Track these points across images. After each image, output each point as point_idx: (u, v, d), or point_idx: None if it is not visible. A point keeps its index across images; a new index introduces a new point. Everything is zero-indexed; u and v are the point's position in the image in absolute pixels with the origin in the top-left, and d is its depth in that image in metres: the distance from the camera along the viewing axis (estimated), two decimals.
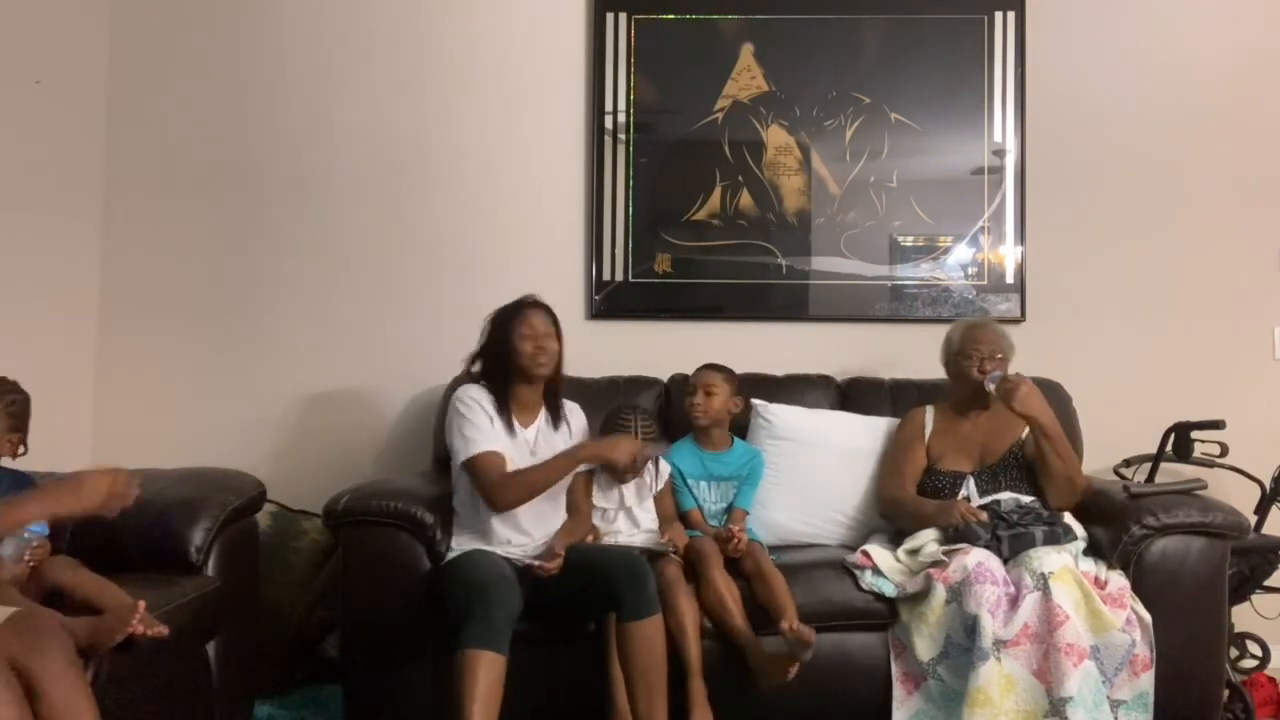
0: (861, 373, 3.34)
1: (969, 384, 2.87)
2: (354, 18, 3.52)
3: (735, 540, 2.65)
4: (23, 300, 3.11)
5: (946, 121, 3.47)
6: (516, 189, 3.50)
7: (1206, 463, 3.03)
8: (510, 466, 2.59)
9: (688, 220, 3.48)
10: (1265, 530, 2.95)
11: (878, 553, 2.67)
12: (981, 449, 2.90)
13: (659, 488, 2.83)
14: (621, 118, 3.49)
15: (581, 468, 2.76)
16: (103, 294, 3.49)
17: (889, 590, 2.59)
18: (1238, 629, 2.90)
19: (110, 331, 3.48)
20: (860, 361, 3.39)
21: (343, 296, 3.49)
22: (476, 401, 2.64)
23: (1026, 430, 2.81)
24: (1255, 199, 3.46)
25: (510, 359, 2.65)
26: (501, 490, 2.54)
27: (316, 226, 3.50)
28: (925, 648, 2.50)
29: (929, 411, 2.99)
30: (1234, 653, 2.92)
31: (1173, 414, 3.10)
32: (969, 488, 2.80)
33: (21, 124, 3.10)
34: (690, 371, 3.07)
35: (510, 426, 2.65)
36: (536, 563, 2.46)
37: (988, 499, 2.74)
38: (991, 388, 2.75)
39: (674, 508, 2.87)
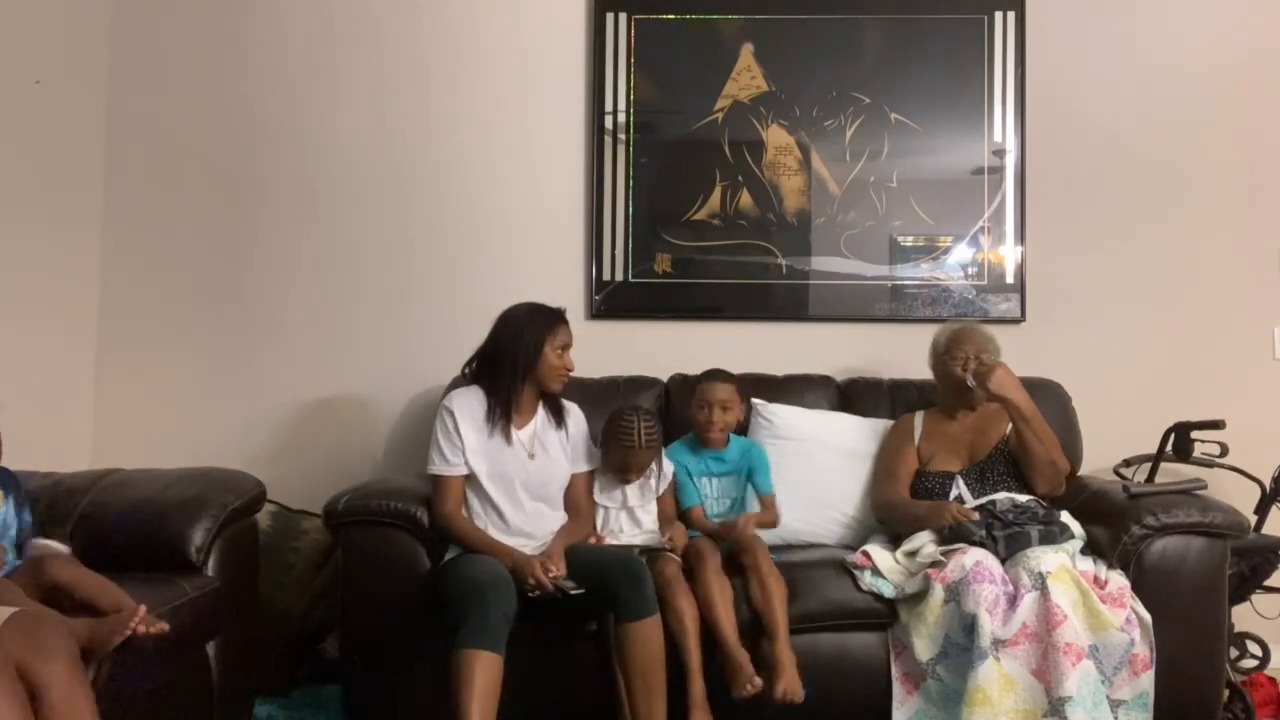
0: (861, 373, 3.34)
1: (954, 384, 2.90)
2: (354, 19, 3.51)
3: (741, 529, 2.63)
4: (23, 300, 3.11)
5: (946, 121, 3.47)
6: (516, 189, 3.50)
7: (1206, 463, 3.03)
8: (505, 470, 2.61)
9: (688, 220, 3.48)
10: (1265, 530, 2.95)
11: (877, 553, 2.68)
12: (970, 448, 2.92)
13: (662, 489, 2.83)
14: (621, 118, 3.48)
15: (583, 466, 2.77)
16: (103, 294, 3.49)
17: (888, 591, 2.59)
18: (1238, 629, 2.90)
19: (110, 331, 3.48)
20: (860, 361, 3.39)
21: (343, 296, 3.49)
22: (458, 415, 2.63)
23: (1010, 426, 2.82)
24: (1255, 199, 3.46)
25: (533, 365, 2.65)
26: (443, 523, 2.59)
27: (317, 226, 3.50)
28: (924, 648, 2.50)
29: (918, 416, 3.02)
30: (1234, 653, 2.91)
31: (1173, 414, 3.10)
32: (959, 487, 2.82)
33: (21, 124, 3.10)
34: (690, 372, 3.06)
35: (507, 430, 2.65)
36: (552, 575, 2.44)
37: (983, 499, 2.75)
38: (971, 381, 2.80)
39: (675, 508, 2.86)
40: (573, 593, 2.41)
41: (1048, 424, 2.83)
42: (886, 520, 2.90)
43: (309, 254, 3.50)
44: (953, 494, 2.81)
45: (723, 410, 2.86)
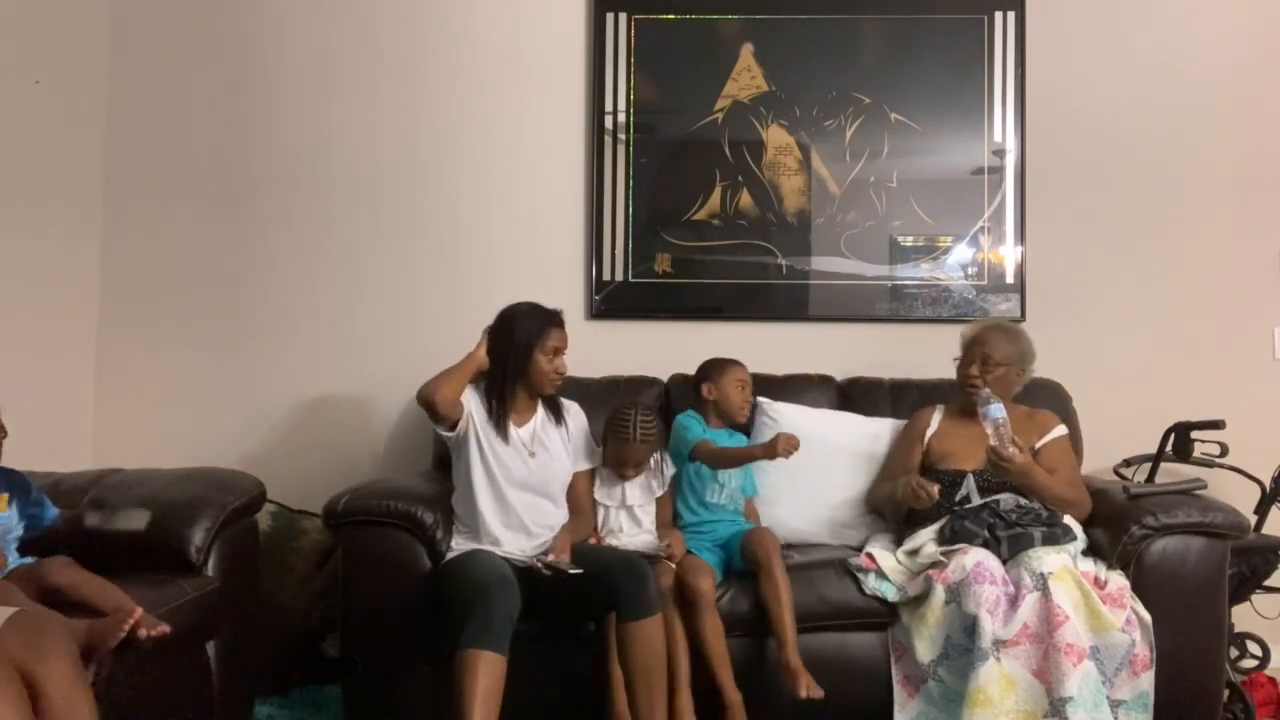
0: (861, 373, 3.33)
1: (960, 386, 2.88)
2: (354, 20, 3.51)
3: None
4: (23, 300, 3.11)
5: (946, 121, 3.47)
6: (516, 189, 3.50)
7: (1206, 463, 3.03)
8: (505, 467, 2.63)
9: (688, 220, 3.48)
10: (1265, 530, 2.95)
11: (880, 554, 2.67)
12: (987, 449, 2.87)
13: (663, 491, 2.83)
14: (621, 118, 3.48)
15: (583, 465, 2.77)
16: (102, 294, 3.49)
17: (891, 595, 2.59)
18: (1238, 629, 2.90)
19: (110, 331, 3.48)
20: (860, 361, 3.38)
21: (343, 296, 3.49)
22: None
23: (1040, 441, 2.80)
24: (1255, 199, 3.46)
25: (524, 370, 2.65)
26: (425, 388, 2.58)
27: (316, 227, 3.50)
28: (925, 649, 2.50)
29: (937, 411, 2.98)
30: (1234, 653, 2.91)
31: (1173, 414, 3.10)
32: (969, 486, 2.78)
33: (21, 124, 3.10)
34: (690, 372, 3.06)
35: (505, 429, 2.65)
36: (549, 558, 2.48)
37: (989, 499, 2.74)
38: (990, 429, 2.63)
39: (673, 514, 2.86)
40: (571, 572, 2.44)
41: (1072, 452, 2.85)
42: (878, 513, 2.93)
43: (308, 254, 3.50)
44: (960, 493, 2.78)
45: (749, 389, 2.94)
